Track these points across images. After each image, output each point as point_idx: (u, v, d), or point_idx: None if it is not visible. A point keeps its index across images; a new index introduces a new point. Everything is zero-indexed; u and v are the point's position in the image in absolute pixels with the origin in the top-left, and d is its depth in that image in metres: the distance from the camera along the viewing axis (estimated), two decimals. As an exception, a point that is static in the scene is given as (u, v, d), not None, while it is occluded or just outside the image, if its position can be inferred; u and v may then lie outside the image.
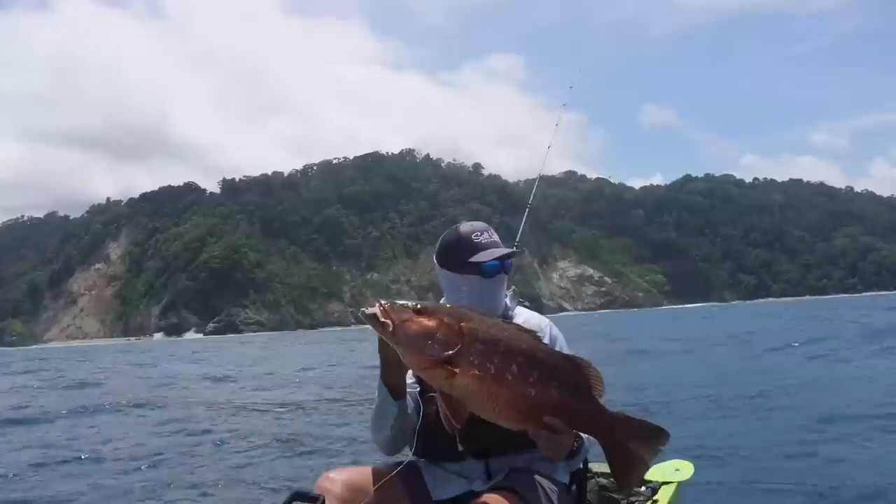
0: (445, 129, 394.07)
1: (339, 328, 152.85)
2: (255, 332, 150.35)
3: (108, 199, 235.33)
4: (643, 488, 3.96)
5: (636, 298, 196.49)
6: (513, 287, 3.09)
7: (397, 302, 2.19)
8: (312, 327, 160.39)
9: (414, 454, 2.93)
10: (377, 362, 2.51)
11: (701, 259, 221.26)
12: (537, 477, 2.73)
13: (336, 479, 2.76)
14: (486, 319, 2.26)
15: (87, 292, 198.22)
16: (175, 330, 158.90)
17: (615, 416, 2.27)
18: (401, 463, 2.90)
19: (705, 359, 20.04)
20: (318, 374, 23.20)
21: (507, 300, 3.07)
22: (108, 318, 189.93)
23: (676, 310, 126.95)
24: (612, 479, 3.76)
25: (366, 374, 20.17)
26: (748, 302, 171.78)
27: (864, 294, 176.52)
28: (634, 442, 2.25)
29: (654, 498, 3.86)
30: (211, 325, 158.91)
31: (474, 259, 2.86)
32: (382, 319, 2.13)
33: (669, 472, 4.32)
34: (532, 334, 2.33)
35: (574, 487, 3.02)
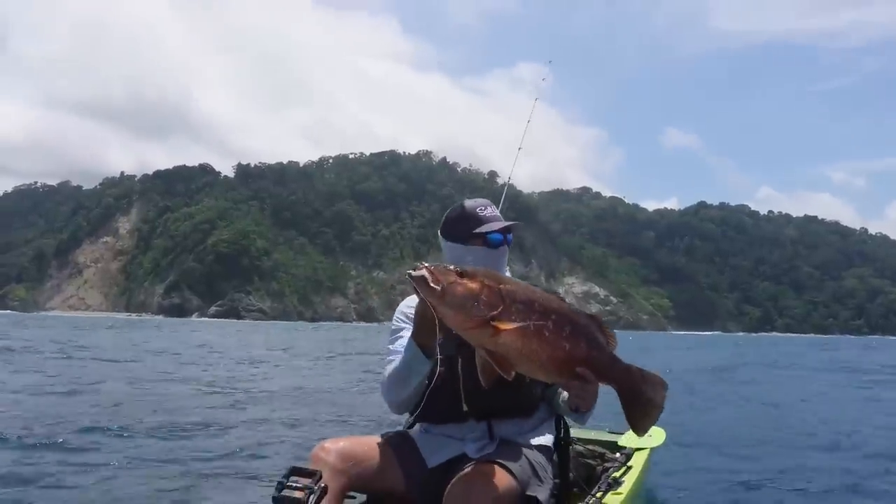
0: (465, 133, 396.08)
1: (340, 323, 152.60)
2: (256, 319, 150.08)
3: (122, 173, 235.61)
4: (617, 454, 4.15)
5: (640, 321, 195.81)
6: (508, 273, 3.14)
7: (440, 265, 2.31)
8: (314, 320, 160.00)
9: (415, 418, 3.06)
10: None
11: (708, 287, 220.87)
12: (525, 450, 2.87)
13: (331, 449, 2.83)
14: (519, 282, 2.44)
15: (92, 264, 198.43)
16: (177, 310, 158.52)
17: (630, 367, 2.46)
18: (394, 432, 3.11)
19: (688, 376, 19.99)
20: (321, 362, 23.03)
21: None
22: (112, 292, 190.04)
23: (680, 336, 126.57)
24: (587, 447, 4.13)
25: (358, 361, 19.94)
26: (752, 335, 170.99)
27: (868, 336, 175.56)
28: (648, 388, 2.45)
29: (629, 464, 4.04)
30: (213, 309, 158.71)
31: (479, 230, 3.04)
32: (431, 282, 2.23)
33: (643, 438, 4.24)
34: (557, 294, 2.54)
35: (555, 456, 3.12)
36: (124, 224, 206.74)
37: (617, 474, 3.78)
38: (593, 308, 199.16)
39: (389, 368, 2.92)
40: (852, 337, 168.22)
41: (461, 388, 2.90)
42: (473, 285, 2.26)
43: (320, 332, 65.15)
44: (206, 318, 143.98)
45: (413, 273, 2.28)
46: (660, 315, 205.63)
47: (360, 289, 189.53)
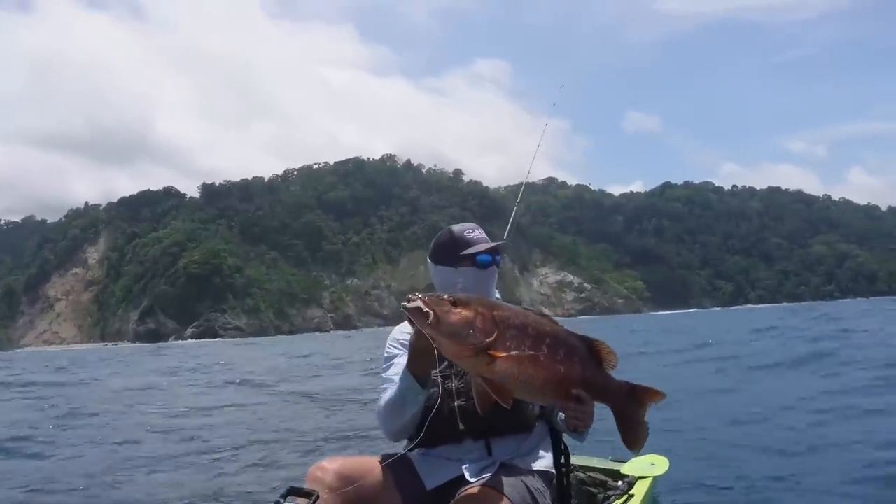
0: (429, 134, 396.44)
1: (318, 333, 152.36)
2: (233, 337, 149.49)
3: (86, 203, 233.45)
4: (619, 482, 4.06)
5: (616, 305, 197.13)
6: (497, 295, 3.22)
7: (433, 294, 2.33)
8: (291, 333, 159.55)
9: (413, 444, 2.99)
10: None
11: (680, 266, 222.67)
12: (523, 475, 2.85)
13: (328, 469, 2.84)
14: (511, 307, 2.43)
15: (63, 297, 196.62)
16: (153, 336, 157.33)
17: (623, 384, 2.50)
18: (392, 454, 3.02)
19: (682, 363, 20.13)
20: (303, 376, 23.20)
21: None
22: (86, 323, 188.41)
23: (656, 316, 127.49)
24: (589, 474, 4.07)
25: (348, 372, 20.23)
26: (729, 309, 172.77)
27: (840, 300, 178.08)
28: (637, 406, 2.50)
29: (630, 492, 3.95)
30: (189, 331, 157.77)
31: (468, 252, 3.09)
32: (426, 311, 2.25)
33: (645, 466, 4.41)
34: (549, 318, 2.51)
35: (554, 481, 3.11)
36: (93, 254, 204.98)
37: (618, 503, 3.83)
38: (569, 296, 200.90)
39: (385, 397, 2.92)
40: (824, 303, 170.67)
41: (456, 407, 2.92)
42: (468, 313, 2.27)
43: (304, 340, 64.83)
44: (184, 341, 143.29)
45: (408, 305, 2.28)
46: (634, 297, 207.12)
47: (336, 297, 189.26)
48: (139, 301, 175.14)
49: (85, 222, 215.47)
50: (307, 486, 2.78)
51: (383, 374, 3.08)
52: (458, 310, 2.28)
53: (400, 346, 3.13)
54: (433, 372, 2.80)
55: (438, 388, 2.86)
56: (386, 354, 3.17)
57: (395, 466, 2.96)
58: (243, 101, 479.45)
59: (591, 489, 3.98)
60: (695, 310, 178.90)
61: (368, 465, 2.95)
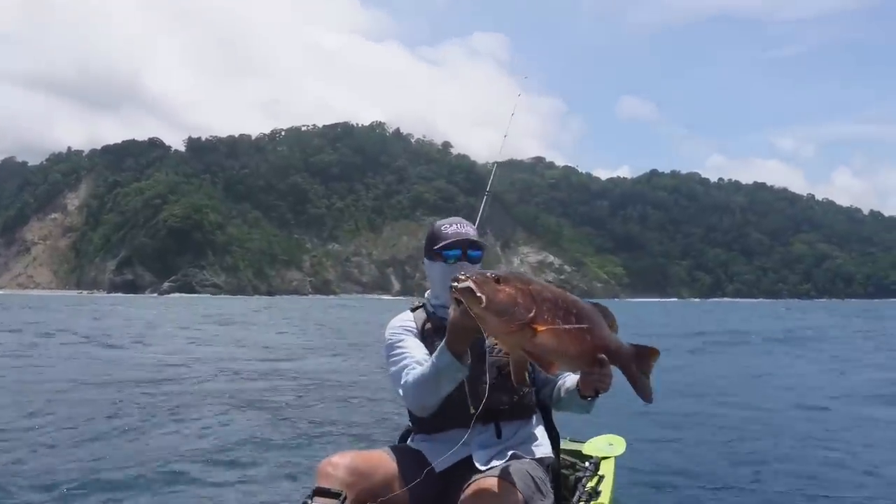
0: (421, 104, 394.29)
1: (296, 296, 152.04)
2: (211, 294, 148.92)
3: (69, 148, 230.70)
4: (586, 463, 4.16)
5: (594, 289, 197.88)
6: None
7: (478, 273, 2.37)
8: (269, 294, 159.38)
9: (418, 427, 3.21)
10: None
11: (661, 254, 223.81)
12: (527, 464, 2.94)
13: (339, 464, 2.88)
14: (538, 280, 2.51)
15: (41, 241, 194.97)
16: (129, 287, 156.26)
17: (630, 346, 2.68)
18: (398, 446, 3.23)
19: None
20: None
21: None
22: (62, 269, 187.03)
23: (635, 303, 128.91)
24: (562, 457, 3.97)
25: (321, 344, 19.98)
26: (707, 300, 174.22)
27: (816, 300, 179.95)
28: (643, 363, 2.68)
29: (599, 473, 4.04)
30: (167, 285, 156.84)
31: (437, 247, 3.18)
32: (478, 292, 2.29)
33: (604, 447, 4.51)
34: (564, 289, 2.60)
35: (550, 467, 3.21)
36: (73, 200, 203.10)
37: (592, 484, 3.86)
38: (548, 277, 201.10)
39: (414, 374, 2.94)
40: (801, 301, 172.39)
41: (467, 391, 2.98)
42: (511, 290, 2.35)
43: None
44: (157, 295, 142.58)
45: (458, 285, 2.32)
46: (613, 283, 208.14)
47: (316, 262, 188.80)
48: (117, 251, 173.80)
49: (67, 167, 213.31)
50: (320, 481, 2.83)
51: (394, 358, 3.10)
52: (504, 287, 2.35)
53: (405, 332, 3.18)
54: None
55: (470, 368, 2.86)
56: (391, 341, 3.18)
57: (402, 455, 3.06)
58: (236, 58, 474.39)
59: (563, 471, 3.94)
60: (674, 299, 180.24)
61: (375, 457, 3.02)
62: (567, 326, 2.41)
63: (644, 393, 2.69)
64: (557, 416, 3.34)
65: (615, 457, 4.48)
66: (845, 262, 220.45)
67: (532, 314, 2.35)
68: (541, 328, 2.36)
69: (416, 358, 3.02)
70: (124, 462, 6.78)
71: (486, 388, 2.95)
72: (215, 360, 16.57)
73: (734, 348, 23.19)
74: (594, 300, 2.73)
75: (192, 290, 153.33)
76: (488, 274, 2.37)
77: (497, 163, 5.45)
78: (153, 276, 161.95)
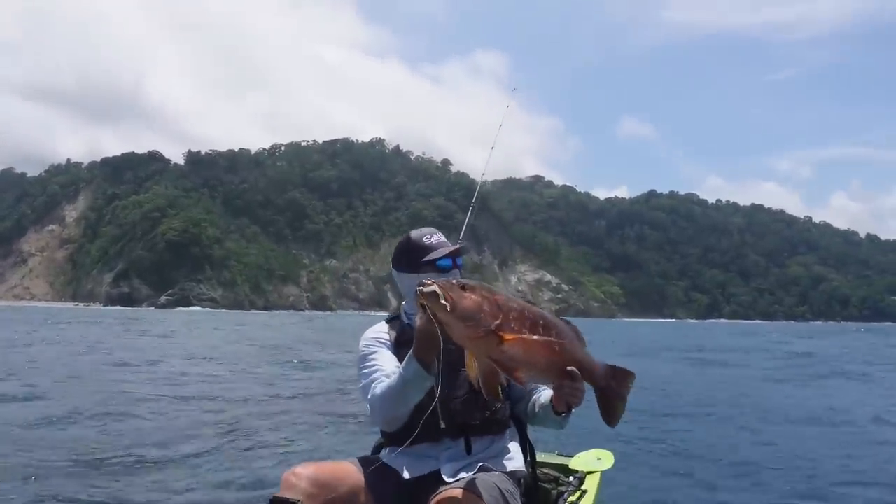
0: (421, 121, 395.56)
1: (293, 312, 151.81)
2: (207, 308, 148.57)
3: (68, 159, 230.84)
4: (570, 478, 4.10)
5: (591, 308, 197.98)
6: None
7: (444, 280, 2.41)
8: (266, 309, 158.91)
9: (388, 439, 3.14)
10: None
11: (658, 275, 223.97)
12: (496, 476, 2.86)
13: (302, 475, 2.83)
14: (503, 293, 2.52)
15: (38, 253, 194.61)
16: (126, 300, 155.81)
17: (603, 365, 2.67)
18: (366, 457, 3.15)
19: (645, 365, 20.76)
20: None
21: None
22: (59, 281, 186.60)
23: (630, 323, 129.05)
24: (542, 470, 4.05)
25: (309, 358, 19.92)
26: (704, 321, 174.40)
27: (811, 322, 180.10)
28: (616, 384, 2.67)
29: (583, 487, 3.98)
30: (163, 298, 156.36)
31: (428, 258, 3.16)
32: (442, 297, 2.33)
33: (592, 461, 4.42)
34: (534, 303, 2.63)
35: (523, 481, 3.18)
36: (71, 212, 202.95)
37: (573, 499, 3.81)
38: (545, 295, 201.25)
39: (381, 387, 2.95)
40: (795, 323, 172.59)
41: (437, 405, 2.92)
42: (477, 297, 2.37)
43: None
44: (154, 308, 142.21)
45: (424, 290, 2.35)
46: (610, 302, 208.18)
47: (313, 277, 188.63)
48: (114, 264, 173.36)
49: (65, 179, 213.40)
50: (282, 492, 2.78)
51: (364, 370, 3.10)
52: (469, 294, 2.37)
53: (378, 343, 3.18)
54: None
55: (438, 378, 2.84)
56: (363, 352, 3.18)
57: (368, 466, 3.02)
58: (237, 72, 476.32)
59: (544, 485, 3.95)
60: (671, 320, 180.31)
61: (343, 469, 2.98)
62: (535, 337, 2.42)
63: (610, 416, 2.68)
64: (548, 432, 3.28)
65: (601, 471, 4.42)
66: (841, 284, 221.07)
67: (498, 321, 2.37)
68: (507, 336, 2.37)
69: (386, 371, 3.00)
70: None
71: (438, 404, 2.89)
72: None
73: (735, 369, 23.35)
74: (567, 317, 2.70)
75: (188, 304, 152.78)
76: (454, 281, 2.41)
77: (484, 175, 5.32)
78: (150, 289, 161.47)
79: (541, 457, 4.39)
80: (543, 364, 2.50)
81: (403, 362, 2.84)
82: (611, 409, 2.68)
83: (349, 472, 2.97)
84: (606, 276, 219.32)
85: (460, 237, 3.61)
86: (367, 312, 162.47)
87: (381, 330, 3.25)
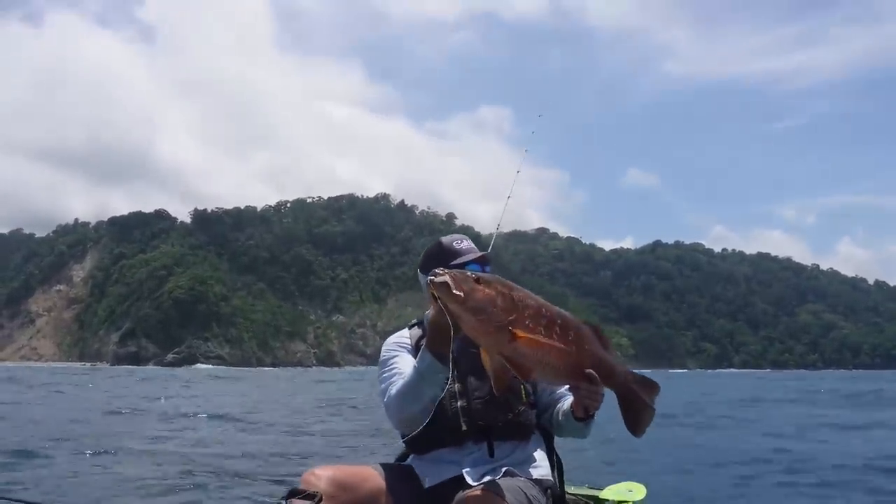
0: (427, 177, 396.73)
1: (300, 368, 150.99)
2: (215, 365, 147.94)
3: (76, 220, 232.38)
4: None
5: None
6: None
7: (458, 271, 2.38)
8: (274, 365, 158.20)
9: (410, 443, 3.13)
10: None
11: (666, 325, 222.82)
12: (521, 482, 2.84)
13: (321, 476, 2.84)
14: (524, 289, 2.49)
15: (45, 313, 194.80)
16: (133, 358, 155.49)
17: (627, 370, 2.61)
18: (387, 464, 3.12)
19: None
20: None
21: None
22: (66, 341, 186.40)
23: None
24: (572, 497, 3.89)
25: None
26: (709, 371, 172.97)
27: (822, 370, 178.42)
28: (643, 391, 2.59)
29: None
30: (171, 356, 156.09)
31: (456, 262, 3.10)
32: (454, 287, 2.30)
33: (623, 493, 4.35)
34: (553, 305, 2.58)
35: (549, 491, 3.10)
36: (78, 272, 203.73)
37: None
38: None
39: (397, 385, 2.95)
40: (806, 371, 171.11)
41: (459, 408, 2.95)
42: (490, 291, 2.33)
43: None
44: (161, 367, 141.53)
45: (436, 279, 2.32)
46: (619, 354, 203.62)
47: (320, 333, 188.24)
48: (121, 323, 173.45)
49: (73, 239, 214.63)
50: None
51: (384, 374, 3.10)
52: (482, 287, 2.33)
53: (399, 348, 3.17)
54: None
55: (451, 371, 2.82)
56: (384, 357, 3.18)
57: (389, 471, 3.01)
58: (245, 130, 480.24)
59: None
60: (684, 371, 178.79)
61: (363, 472, 2.97)
62: (545, 339, 2.38)
63: (634, 423, 2.62)
64: (576, 462, 3.19)
65: (633, 502, 4.35)
66: (851, 332, 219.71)
67: (512, 317, 2.33)
68: (520, 334, 2.33)
69: (403, 372, 2.98)
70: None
71: (459, 407, 2.93)
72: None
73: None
74: (575, 316, 2.60)
75: (195, 362, 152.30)
76: (468, 273, 2.38)
77: (499, 227, 5.23)
78: (157, 347, 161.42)
79: (570, 489, 4.28)
80: (557, 364, 2.44)
81: (418, 356, 2.85)
82: (635, 415, 2.61)
83: (369, 475, 2.95)
84: (614, 327, 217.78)
85: (489, 249, 3.65)
86: (374, 368, 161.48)
87: (402, 335, 3.24)
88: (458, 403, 2.97)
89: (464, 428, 2.96)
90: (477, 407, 2.89)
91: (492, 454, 3.01)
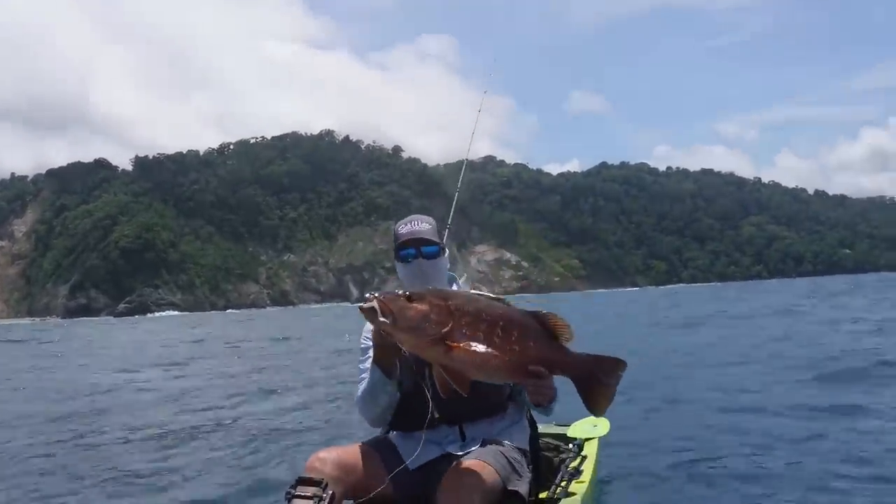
0: (372, 111, 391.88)
1: (254, 310, 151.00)
2: (167, 312, 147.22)
3: (12, 174, 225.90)
4: (570, 445, 4.38)
5: (552, 282, 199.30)
6: (465, 274, 3.39)
7: (388, 292, 2.45)
8: (227, 308, 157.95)
9: (390, 428, 3.35)
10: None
11: (615, 245, 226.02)
12: (503, 447, 3.10)
13: (326, 459, 3.02)
14: (465, 294, 2.64)
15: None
16: (84, 310, 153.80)
17: (580, 356, 2.65)
18: (375, 438, 3.36)
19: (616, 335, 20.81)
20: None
21: (459, 283, 3.59)
22: (13, 297, 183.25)
23: (593, 294, 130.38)
24: (543, 440, 4.19)
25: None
26: (661, 287, 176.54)
27: (767, 280, 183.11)
28: (601, 371, 2.64)
29: (583, 453, 4.28)
30: (122, 306, 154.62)
31: (395, 248, 3.36)
32: (381, 314, 2.37)
33: (588, 428, 4.78)
34: (501, 300, 2.70)
35: (526, 453, 3.31)
36: (20, 226, 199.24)
37: (574, 464, 4.07)
38: (506, 274, 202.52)
39: (360, 390, 3.20)
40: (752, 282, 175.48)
41: (429, 396, 3.06)
42: (422, 307, 2.40)
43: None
44: (113, 317, 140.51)
45: (363, 305, 2.40)
46: (570, 276, 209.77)
47: (272, 273, 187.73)
48: (69, 276, 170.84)
49: (11, 194, 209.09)
50: (307, 474, 2.97)
51: (360, 366, 3.28)
52: (413, 304, 2.39)
53: (370, 340, 3.23)
54: (398, 364, 3.03)
55: (407, 378, 3.08)
56: (362, 346, 3.34)
57: (381, 449, 3.21)
58: (184, 73, 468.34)
59: (546, 454, 4.17)
60: (636, 288, 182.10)
61: (358, 452, 3.16)
62: (479, 347, 2.43)
63: (592, 404, 2.67)
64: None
65: (599, 437, 4.73)
66: (794, 241, 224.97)
67: (446, 329, 2.40)
68: (454, 345, 2.40)
69: (367, 373, 3.17)
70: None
71: (429, 395, 3.04)
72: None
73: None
74: (522, 312, 2.66)
75: (147, 311, 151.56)
76: (399, 292, 2.44)
77: (466, 160, 5.42)
78: (108, 298, 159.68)
79: (539, 428, 4.56)
80: (499, 366, 2.49)
81: (370, 368, 3.07)
82: (591, 397, 2.66)
83: (367, 454, 3.14)
84: (565, 249, 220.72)
85: (449, 220, 3.79)
86: (329, 304, 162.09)
87: None
88: (429, 392, 3.05)
89: (436, 415, 3.08)
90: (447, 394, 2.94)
91: (463, 438, 3.21)
